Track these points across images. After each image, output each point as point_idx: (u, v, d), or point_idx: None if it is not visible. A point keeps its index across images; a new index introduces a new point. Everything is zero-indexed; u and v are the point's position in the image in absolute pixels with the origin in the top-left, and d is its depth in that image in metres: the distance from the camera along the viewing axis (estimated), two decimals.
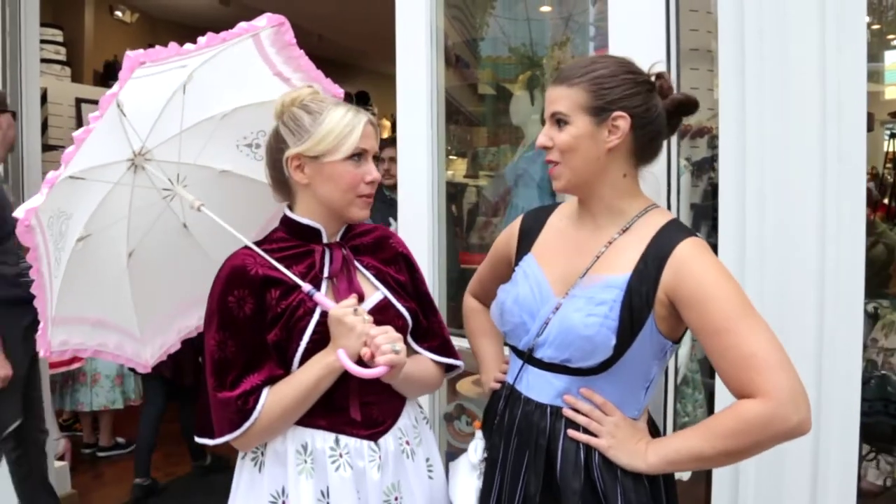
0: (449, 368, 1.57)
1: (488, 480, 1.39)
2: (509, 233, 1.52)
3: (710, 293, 1.20)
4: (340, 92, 1.63)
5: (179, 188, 1.46)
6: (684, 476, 1.72)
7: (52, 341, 1.49)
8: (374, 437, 1.39)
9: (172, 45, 1.32)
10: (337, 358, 1.29)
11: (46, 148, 4.16)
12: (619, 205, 1.33)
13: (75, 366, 3.76)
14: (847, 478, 1.54)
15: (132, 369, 3.61)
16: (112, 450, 4.16)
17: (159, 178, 1.45)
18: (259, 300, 1.35)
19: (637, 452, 1.25)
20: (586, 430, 1.28)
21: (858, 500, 1.56)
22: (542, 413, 1.32)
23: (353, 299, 1.33)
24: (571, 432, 1.28)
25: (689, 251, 1.24)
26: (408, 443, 1.44)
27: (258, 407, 1.32)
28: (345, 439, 1.37)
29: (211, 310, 1.37)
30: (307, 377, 1.33)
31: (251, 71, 1.49)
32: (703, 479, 1.84)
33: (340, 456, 1.35)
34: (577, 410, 1.29)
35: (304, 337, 1.34)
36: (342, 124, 1.36)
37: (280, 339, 1.35)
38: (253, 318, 1.35)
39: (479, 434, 1.47)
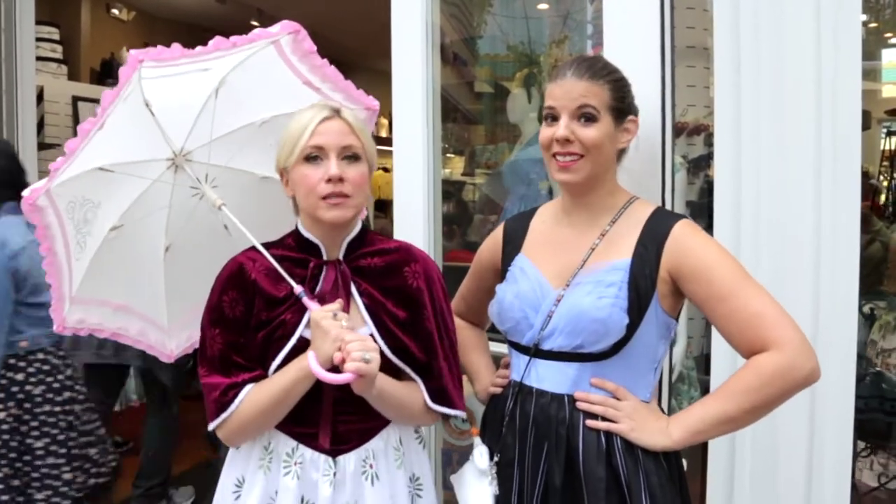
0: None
1: (506, 481, 1.38)
2: (493, 242, 1.54)
3: (711, 263, 1.27)
4: (374, 104, 1.61)
5: (207, 188, 1.47)
6: None
7: (68, 318, 1.55)
8: (334, 454, 1.36)
9: (176, 45, 1.37)
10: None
11: (43, 146, 4.16)
12: (610, 200, 1.39)
13: None
14: (842, 473, 1.54)
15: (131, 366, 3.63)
16: None
17: (195, 179, 1.48)
18: (248, 305, 1.37)
19: (660, 430, 1.28)
20: (605, 418, 1.30)
21: (853, 494, 1.57)
22: (560, 403, 1.33)
23: (336, 304, 1.31)
24: (590, 422, 1.30)
25: (685, 230, 1.31)
26: (371, 466, 1.38)
27: (235, 401, 1.34)
28: (303, 448, 1.36)
29: (209, 304, 1.40)
30: (283, 378, 1.32)
31: (281, 80, 1.51)
32: (698, 474, 1.84)
33: (295, 464, 1.35)
34: (590, 402, 1.31)
35: (277, 358, 1.35)
36: (297, 127, 1.33)
37: (261, 348, 1.36)
38: (243, 320, 1.36)
39: (478, 440, 1.46)
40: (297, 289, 1.33)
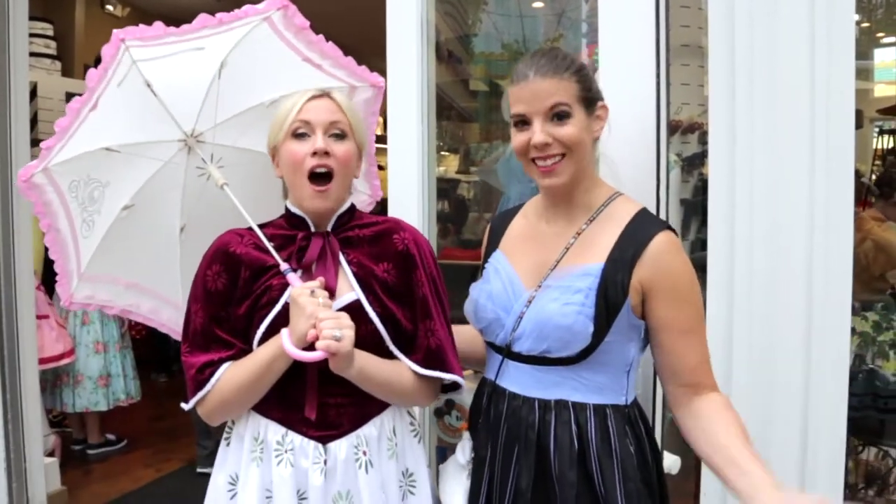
0: (451, 387, 1.46)
1: (477, 477, 1.38)
2: (483, 241, 1.53)
3: (686, 295, 1.27)
4: (379, 80, 1.58)
5: (212, 167, 1.46)
6: (673, 469, 1.73)
7: (76, 294, 1.56)
8: (324, 440, 1.34)
9: (158, 23, 1.38)
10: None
11: (37, 143, 4.14)
12: (589, 196, 1.35)
13: (65, 361, 3.73)
14: (834, 471, 1.55)
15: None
16: (102, 446, 4.14)
17: (202, 159, 1.47)
18: (233, 277, 1.37)
19: None
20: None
21: (845, 492, 1.58)
22: (530, 407, 1.32)
23: (316, 282, 1.29)
24: None
25: (666, 245, 1.27)
26: (365, 453, 1.35)
27: (212, 380, 1.34)
28: (292, 435, 1.34)
29: (194, 280, 1.41)
30: (261, 356, 1.32)
31: (281, 58, 1.49)
32: (692, 474, 1.84)
33: (285, 452, 1.34)
34: None
35: (262, 325, 1.34)
36: (287, 107, 1.34)
37: (245, 320, 1.36)
38: (225, 294, 1.37)
39: (466, 435, 1.46)
40: (283, 266, 1.32)
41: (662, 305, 1.26)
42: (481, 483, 1.37)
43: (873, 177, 4.61)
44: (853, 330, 2.78)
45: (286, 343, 1.25)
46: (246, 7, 1.43)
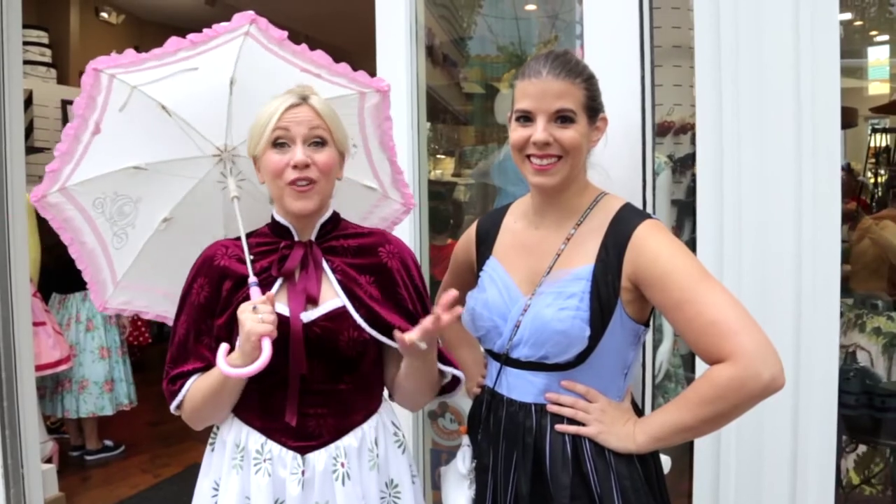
0: (447, 388, 1.49)
1: (481, 486, 1.39)
2: (467, 240, 1.53)
3: (665, 269, 1.22)
4: (382, 84, 1.56)
5: (231, 180, 1.48)
6: (664, 468, 1.73)
7: (111, 301, 1.60)
8: (302, 451, 1.34)
9: (129, 51, 1.40)
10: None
11: (32, 150, 4.15)
12: (578, 200, 1.36)
13: (62, 367, 3.73)
14: (826, 469, 1.55)
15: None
16: (100, 452, 4.14)
17: (229, 173, 1.50)
18: (215, 290, 1.38)
19: (626, 434, 1.26)
20: (573, 422, 1.28)
21: (837, 491, 1.58)
22: (527, 412, 1.32)
23: (262, 297, 1.29)
24: (560, 426, 1.28)
25: (644, 233, 1.26)
26: (343, 465, 1.35)
27: (181, 392, 1.37)
28: (271, 444, 1.35)
29: (182, 292, 1.42)
30: (215, 372, 1.32)
31: (281, 70, 1.49)
32: (686, 474, 1.84)
33: (264, 461, 1.34)
34: (560, 405, 1.29)
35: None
36: (265, 114, 1.33)
37: (226, 330, 1.36)
38: (207, 307, 1.38)
39: (465, 440, 1.46)
40: (251, 279, 1.33)
41: (650, 289, 1.24)
42: (485, 491, 1.37)
43: (868, 174, 4.62)
44: (879, 330, 2.79)
45: (219, 361, 1.26)
46: (215, 26, 1.41)
